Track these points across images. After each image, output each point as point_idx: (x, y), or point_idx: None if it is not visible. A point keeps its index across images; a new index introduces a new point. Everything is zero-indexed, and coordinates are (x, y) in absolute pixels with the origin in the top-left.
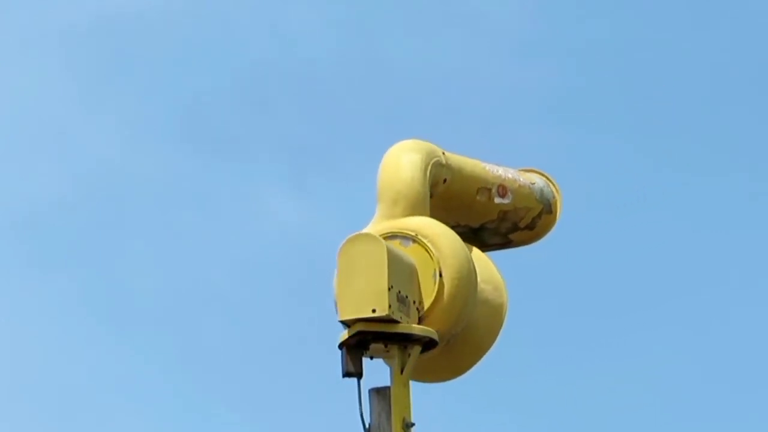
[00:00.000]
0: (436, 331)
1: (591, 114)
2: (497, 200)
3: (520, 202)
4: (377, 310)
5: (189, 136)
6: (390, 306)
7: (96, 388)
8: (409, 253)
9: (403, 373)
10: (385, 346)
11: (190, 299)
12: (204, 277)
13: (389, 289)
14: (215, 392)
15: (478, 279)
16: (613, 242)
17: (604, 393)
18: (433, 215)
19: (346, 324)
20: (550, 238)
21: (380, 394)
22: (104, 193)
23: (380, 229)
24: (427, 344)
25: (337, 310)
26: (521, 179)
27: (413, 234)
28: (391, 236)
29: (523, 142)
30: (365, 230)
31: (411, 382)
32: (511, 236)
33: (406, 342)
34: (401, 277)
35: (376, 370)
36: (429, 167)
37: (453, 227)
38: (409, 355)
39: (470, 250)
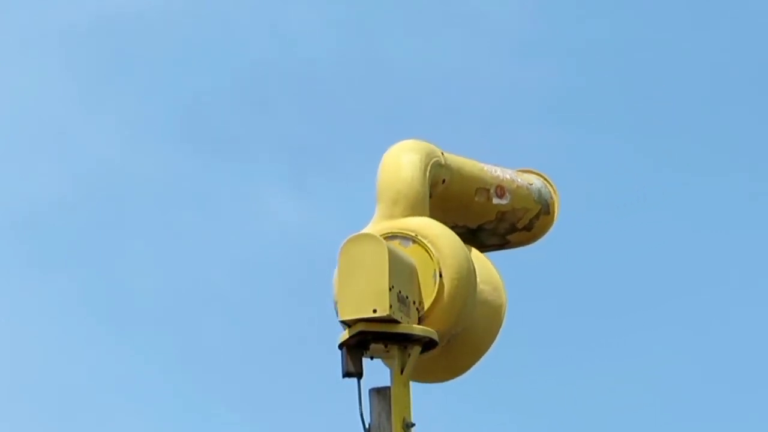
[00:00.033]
0: (436, 332)
1: (591, 114)
2: (495, 201)
3: (518, 202)
4: (378, 311)
5: (189, 136)
6: (391, 306)
7: (96, 388)
8: (408, 253)
9: (403, 373)
10: (385, 347)
11: (190, 299)
12: (204, 277)
13: (390, 290)
14: (215, 392)
15: (478, 279)
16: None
17: (604, 393)
18: (431, 216)
19: (347, 324)
20: (551, 238)
21: (380, 394)
22: (104, 193)
23: (380, 230)
24: (427, 344)
25: (336, 310)
26: (519, 180)
27: (413, 234)
28: (391, 236)
29: (523, 142)
30: (365, 230)
31: (411, 382)
32: (509, 237)
33: (406, 342)
34: (402, 277)
35: (376, 370)
36: (429, 167)
37: (451, 228)
38: (409, 355)
39: (469, 251)
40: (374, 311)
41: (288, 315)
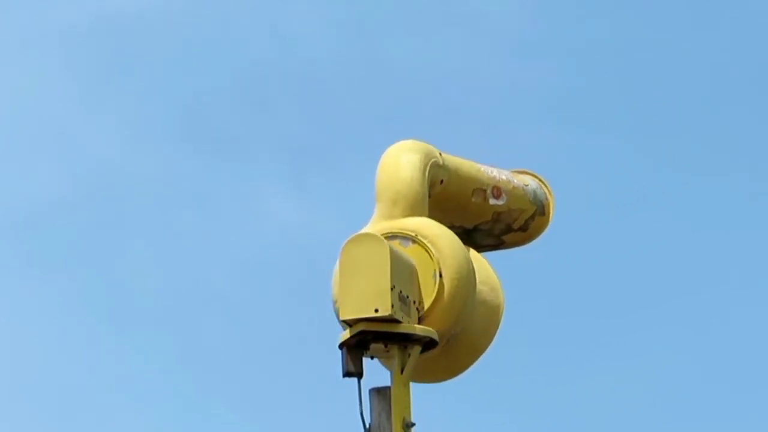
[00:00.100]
0: (436, 331)
1: (591, 114)
2: (492, 201)
3: (514, 203)
4: (380, 310)
5: (189, 136)
6: (392, 306)
7: (96, 388)
8: (408, 253)
9: (404, 373)
10: (385, 346)
11: (190, 299)
12: (204, 277)
13: (392, 289)
14: (215, 392)
15: (476, 280)
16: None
17: (603, 393)
18: (430, 216)
19: (348, 323)
20: (551, 238)
21: (380, 394)
22: (104, 193)
23: (380, 230)
24: (427, 344)
25: (335, 310)
26: (515, 181)
27: (413, 234)
28: (390, 236)
29: (523, 143)
30: (364, 230)
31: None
32: (504, 237)
33: (406, 342)
34: (402, 277)
35: (376, 370)
36: (428, 168)
37: (448, 228)
38: (409, 355)
39: (468, 251)
40: (376, 311)
41: (288, 315)
